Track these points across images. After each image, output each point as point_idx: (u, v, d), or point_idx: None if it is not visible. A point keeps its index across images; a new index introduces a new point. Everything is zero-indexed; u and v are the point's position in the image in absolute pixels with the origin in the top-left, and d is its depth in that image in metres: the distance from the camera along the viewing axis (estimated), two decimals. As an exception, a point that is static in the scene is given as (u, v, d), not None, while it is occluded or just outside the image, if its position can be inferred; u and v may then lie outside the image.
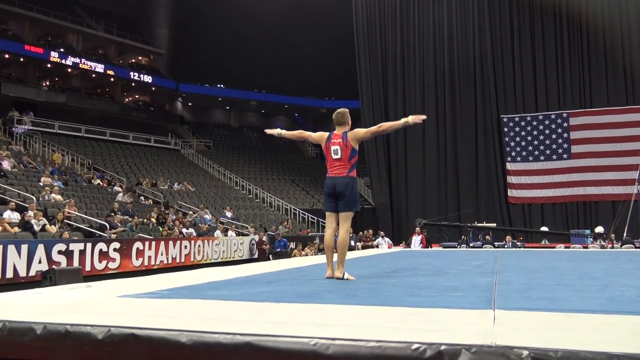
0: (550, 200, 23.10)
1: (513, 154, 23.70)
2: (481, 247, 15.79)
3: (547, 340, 1.89)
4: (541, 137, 23.33)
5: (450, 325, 2.25)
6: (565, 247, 16.12)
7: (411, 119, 4.48)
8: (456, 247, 16.09)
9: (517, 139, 23.64)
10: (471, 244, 16.31)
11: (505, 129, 23.81)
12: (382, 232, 19.21)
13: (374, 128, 4.66)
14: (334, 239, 4.77)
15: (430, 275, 5.09)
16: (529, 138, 23.48)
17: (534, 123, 23.47)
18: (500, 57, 24.20)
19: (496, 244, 16.95)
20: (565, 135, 23.00)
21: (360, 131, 4.65)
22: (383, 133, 4.73)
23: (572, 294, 3.44)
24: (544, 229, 20.00)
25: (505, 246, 16.41)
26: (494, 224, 19.73)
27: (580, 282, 4.34)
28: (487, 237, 17.58)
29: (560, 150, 23.09)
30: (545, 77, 23.59)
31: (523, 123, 23.60)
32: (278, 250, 16.83)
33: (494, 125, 24.17)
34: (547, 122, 23.31)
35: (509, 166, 23.68)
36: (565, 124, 23.00)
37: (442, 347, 1.86)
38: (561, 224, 22.29)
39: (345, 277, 4.52)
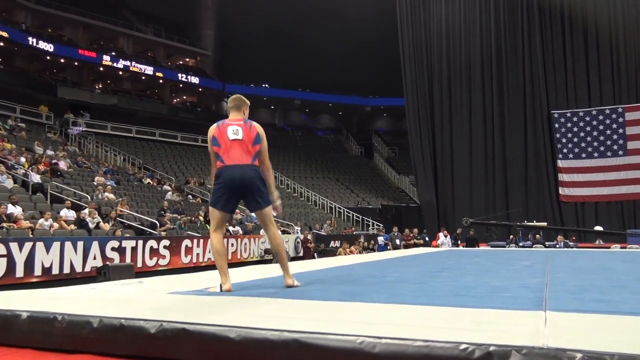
0: (605, 199, 22.23)
1: (565, 150, 22.95)
2: (531, 247, 15.38)
3: (602, 344, 1.82)
4: (594, 133, 22.50)
5: (500, 326, 2.21)
6: (622, 248, 15.47)
7: (276, 201, 3.83)
8: (505, 247, 15.74)
9: (569, 135, 22.87)
10: (520, 244, 15.92)
11: (556, 125, 23.08)
12: (445, 231, 18.41)
13: (267, 164, 3.84)
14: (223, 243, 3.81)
15: (478, 275, 5.00)
16: (582, 134, 22.67)
17: (587, 118, 22.64)
18: (550, 50, 23.46)
19: (547, 243, 16.46)
20: (620, 130, 22.09)
21: (264, 136, 3.83)
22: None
23: (629, 296, 3.30)
24: (598, 228, 19.26)
25: (557, 246, 15.92)
26: (545, 223, 19.15)
27: (637, 284, 4.17)
28: (537, 236, 17.10)
29: (615, 147, 22.20)
30: (599, 71, 22.71)
31: (575, 119, 22.81)
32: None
33: (544, 121, 23.47)
34: (600, 117, 22.45)
35: (560, 163, 22.94)
36: (620, 119, 22.09)
37: (492, 348, 1.83)
38: (616, 223, 21.43)
39: (296, 283, 3.85)
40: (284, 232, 18.80)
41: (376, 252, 15.87)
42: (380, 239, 17.78)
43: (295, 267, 6.11)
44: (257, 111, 40.33)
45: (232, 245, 14.58)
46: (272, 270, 5.53)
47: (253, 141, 3.70)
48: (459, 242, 17.93)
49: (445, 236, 17.65)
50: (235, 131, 3.70)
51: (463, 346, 1.86)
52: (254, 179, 3.66)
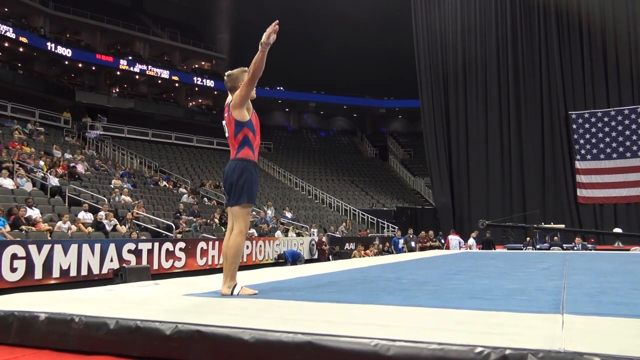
0: (624, 200, 21.89)
1: (582, 151, 22.64)
2: (548, 249, 15.21)
3: (620, 347, 1.79)
4: (613, 134, 22.16)
5: (516, 329, 2.18)
6: (641, 250, 15.23)
7: (264, 37, 3.44)
8: (522, 249, 15.58)
9: (587, 136, 22.56)
10: (538, 246, 15.74)
11: (574, 126, 22.79)
12: (473, 233, 17.85)
13: (245, 79, 3.51)
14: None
15: (494, 277, 4.95)
16: (600, 135, 22.35)
17: (606, 119, 22.32)
18: (567, 50, 23.17)
19: (565, 246, 16.28)
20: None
21: (236, 95, 3.55)
22: (258, 74, 3.50)
23: (649, 299, 3.25)
24: (618, 230, 18.98)
25: (575, 248, 15.73)
26: (563, 225, 18.89)
27: (657, 286, 4.10)
28: (555, 238, 16.92)
29: (635, 148, 21.84)
30: (617, 71, 22.36)
31: (593, 119, 22.50)
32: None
33: (561, 122, 23.18)
34: (619, 117, 22.12)
35: (578, 165, 22.65)
36: (640, 120, 21.77)
37: (507, 352, 1.81)
38: (636, 225, 21.07)
39: (236, 292, 3.45)
40: (298, 234, 18.82)
41: (392, 254, 15.81)
42: (402, 242, 17.61)
43: (310, 269, 6.11)
44: (271, 113, 40.52)
45: (247, 247, 14.63)
46: (287, 273, 5.54)
47: (234, 133, 3.57)
48: (475, 244, 17.79)
49: (473, 238, 17.45)
50: (225, 129, 3.68)
51: (478, 349, 1.84)
52: (228, 173, 3.57)
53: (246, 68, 3.66)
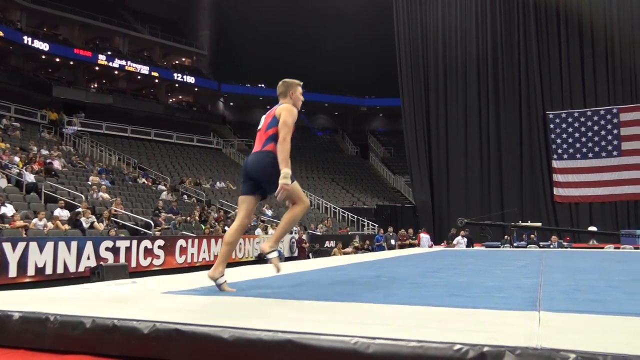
0: (599, 199, 22.33)
1: (559, 151, 23.03)
2: (525, 247, 15.42)
3: (595, 344, 1.82)
4: (589, 134, 22.58)
5: (494, 327, 2.20)
6: (615, 248, 15.54)
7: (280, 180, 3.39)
8: (499, 247, 15.77)
9: (564, 135, 22.95)
10: (515, 244, 15.95)
11: (551, 126, 23.15)
12: (462, 232, 17.44)
13: (281, 136, 3.51)
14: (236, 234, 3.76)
15: (472, 275, 5.00)
16: (577, 135, 22.76)
17: (582, 119, 22.72)
18: (546, 51, 23.54)
19: (541, 244, 16.52)
20: (615, 131, 22.18)
21: (285, 118, 3.57)
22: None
23: (623, 297, 3.31)
24: (592, 228, 19.34)
25: (551, 246, 15.96)
26: (539, 224, 19.19)
27: (631, 284, 4.18)
28: (532, 236, 17.15)
29: (609, 147, 22.28)
30: (594, 72, 22.81)
31: (570, 119, 22.89)
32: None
33: (539, 122, 23.56)
34: (595, 118, 22.54)
35: (555, 164, 23.03)
36: (615, 120, 22.19)
37: (485, 349, 1.83)
38: (610, 223, 21.52)
39: (270, 256, 3.67)
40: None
41: (373, 252, 15.85)
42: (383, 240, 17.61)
43: (290, 267, 6.10)
44: (252, 111, 40.29)
45: (227, 245, 14.54)
46: (267, 271, 5.51)
47: (267, 126, 3.62)
48: (453, 242, 17.93)
49: (462, 237, 17.52)
50: (260, 121, 3.75)
51: (457, 347, 1.85)
52: (259, 165, 3.54)
53: (301, 82, 3.91)
